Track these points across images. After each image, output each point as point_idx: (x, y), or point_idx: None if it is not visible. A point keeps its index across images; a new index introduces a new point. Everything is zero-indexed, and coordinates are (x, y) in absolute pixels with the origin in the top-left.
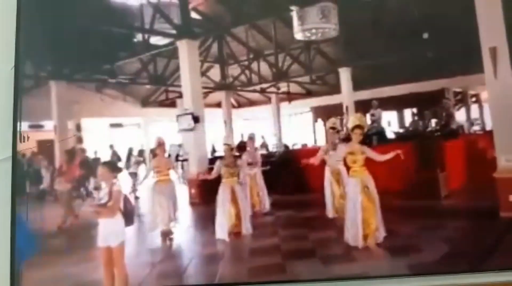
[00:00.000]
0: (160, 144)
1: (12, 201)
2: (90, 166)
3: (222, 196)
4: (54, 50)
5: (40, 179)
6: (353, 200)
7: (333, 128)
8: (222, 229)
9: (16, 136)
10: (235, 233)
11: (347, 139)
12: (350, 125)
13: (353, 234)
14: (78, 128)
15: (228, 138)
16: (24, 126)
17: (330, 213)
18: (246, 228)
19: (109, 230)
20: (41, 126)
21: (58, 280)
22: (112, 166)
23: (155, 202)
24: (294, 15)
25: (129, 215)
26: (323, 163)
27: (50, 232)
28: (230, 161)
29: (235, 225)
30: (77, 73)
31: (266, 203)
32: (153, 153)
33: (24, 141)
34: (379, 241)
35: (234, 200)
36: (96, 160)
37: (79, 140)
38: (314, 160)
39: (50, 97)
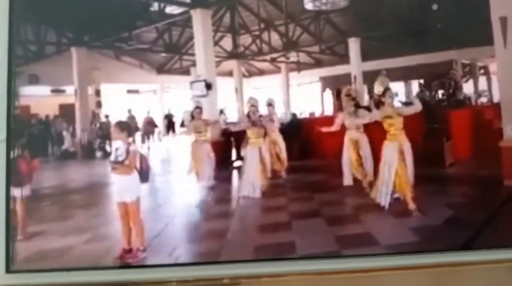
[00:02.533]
0: (198, 107)
1: (7, 184)
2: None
3: (251, 156)
4: (75, 19)
5: (61, 140)
6: (389, 164)
7: (348, 95)
8: (253, 188)
9: (10, 119)
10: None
11: (358, 105)
12: (379, 89)
13: (384, 194)
14: (97, 93)
15: (253, 99)
16: (46, 90)
17: (346, 180)
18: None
19: (125, 187)
20: (62, 91)
21: (78, 231)
22: (122, 126)
23: (194, 159)
24: None
25: (145, 173)
26: (329, 131)
27: (71, 188)
28: (256, 121)
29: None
30: (96, 40)
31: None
32: (191, 115)
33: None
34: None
35: (262, 159)
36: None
37: (98, 104)
38: (334, 127)
39: (71, 63)
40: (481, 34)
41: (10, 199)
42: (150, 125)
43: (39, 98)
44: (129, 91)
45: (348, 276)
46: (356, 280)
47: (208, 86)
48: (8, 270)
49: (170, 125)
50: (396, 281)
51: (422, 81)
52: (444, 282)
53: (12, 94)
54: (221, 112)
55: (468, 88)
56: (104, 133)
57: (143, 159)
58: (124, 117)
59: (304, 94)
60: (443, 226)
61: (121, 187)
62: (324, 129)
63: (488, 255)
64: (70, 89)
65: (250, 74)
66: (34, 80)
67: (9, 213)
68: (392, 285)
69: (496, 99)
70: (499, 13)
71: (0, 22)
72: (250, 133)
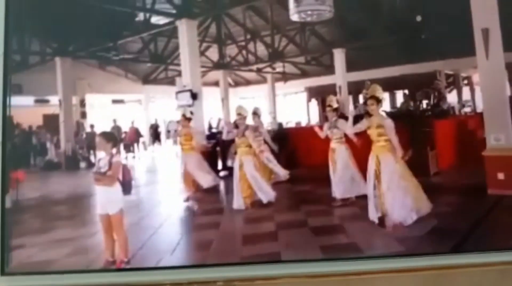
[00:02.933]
0: (182, 116)
1: (2, 188)
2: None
3: (236, 167)
4: (60, 28)
5: (45, 151)
6: (369, 175)
7: (330, 106)
8: (237, 200)
9: (5, 122)
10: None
11: (342, 116)
12: (365, 96)
13: (370, 208)
14: (82, 103)
15: (241, 108)
16: (29, 100)
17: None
18: (262, 197)
19: (107, 198)
20: (47, 101)
21: (60, 243)
22: (107, 136)
23: (182, 168)
24: None
25: (127, 184)
26: (314, 141)
27: (55, 199)
28: (240, 131)
29: (249, 195)
30: (81, 50)
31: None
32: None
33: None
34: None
35: (243, 171)
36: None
37: (83, 115)
38: (321, 133)
39: (55, 73)
40: (464, 46)
41: (5, 203)
42: (136, 134)
43: (22, 108)
44: (114, 101)
45: (341, 278)
46: (349, 282)
47: (194, 96)
48: (3, 272)
49: (155, 135)
50: (389, 283)
51: (406, 91)
52: (437, 284)
53: (7, 100)
54: (219, 121)
55: (452, 98)
56: (89, 143)
57: (126, 170)
58: (109, 127)
59: (290, 104)
60: (428, 236)
61: (104, 198)
62: (316, 129)
63: (479, 258)
64: (54, 99)
65: (236, 84)
66: (17, 90)
67: (4, 217)
68: None
69: (479, 109)
70: (481, 25)
71: None
72: (237, 142)
